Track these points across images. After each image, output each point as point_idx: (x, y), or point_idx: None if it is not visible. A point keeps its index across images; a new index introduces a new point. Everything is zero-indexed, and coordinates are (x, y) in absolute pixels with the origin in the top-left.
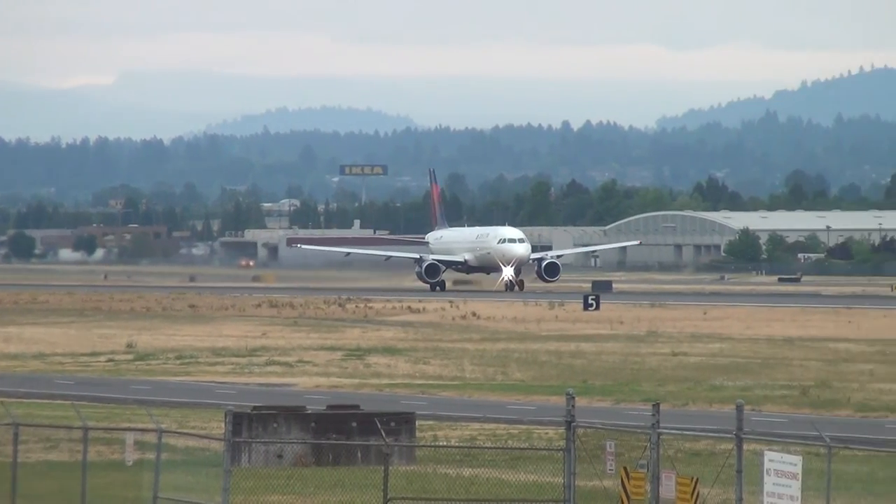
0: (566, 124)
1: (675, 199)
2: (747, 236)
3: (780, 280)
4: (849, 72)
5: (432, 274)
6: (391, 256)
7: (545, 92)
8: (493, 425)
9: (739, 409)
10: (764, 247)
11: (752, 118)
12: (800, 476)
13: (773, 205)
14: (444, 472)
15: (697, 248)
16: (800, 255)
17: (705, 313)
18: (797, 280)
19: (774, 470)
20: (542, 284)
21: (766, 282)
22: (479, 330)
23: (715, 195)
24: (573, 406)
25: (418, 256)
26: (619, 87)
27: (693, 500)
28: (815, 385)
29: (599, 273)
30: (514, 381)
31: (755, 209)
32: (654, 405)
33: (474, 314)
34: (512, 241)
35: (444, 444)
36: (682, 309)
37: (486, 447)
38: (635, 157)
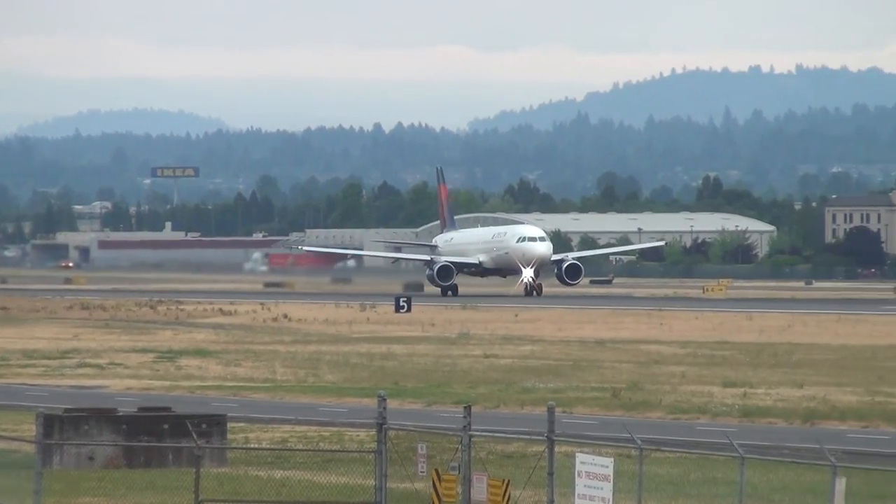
0: (378, 126)
1: (487, 200)
2: (559, 238)
3: (592, 282)
4: (660, 73)
5: (445, 276)
6: (398, 259)
7: (357, 94)
8: (304, 427)
9: (551, 411)
10: (576, 249)
11: (564, 120)
12: (611, 478)
13: (585, 207)
14: (256, 474)
15: None
16: (611, 258)
17: (517, 315)
18: (609, 282)
19: (586, 472)
20: (561, 289)
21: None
22: (290, 332)
23: (527, 197)
24: (384, 408)
25: (429, 258)
26: (431, 89)
27: (504, 502)
28: (626, 387)
29: (411, 275)
30: (326, 383)
31: (567, 211)
32: (465, 407)
33: (286, 316)
34: (532, 239)
35: (256, 446)
36: (493, 311)
37: (298, 449)
38: (447, 158)
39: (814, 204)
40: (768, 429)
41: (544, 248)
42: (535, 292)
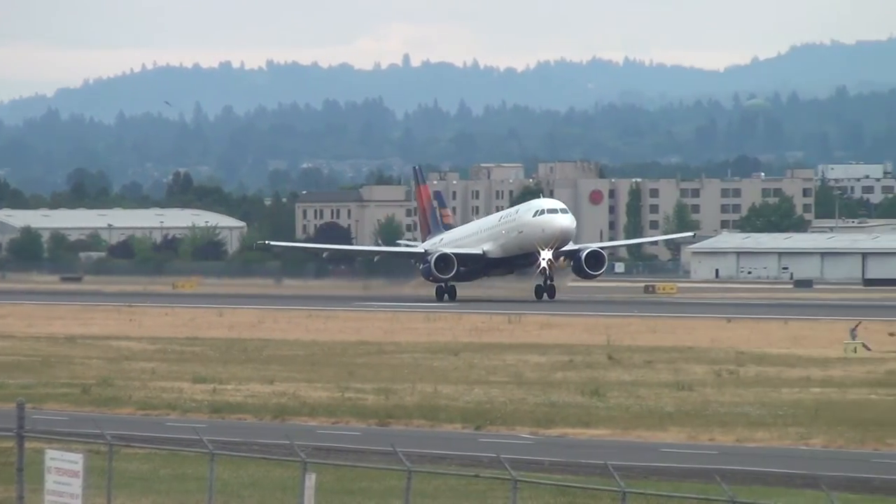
0: None
1: None
2: (29, 235)
3: (63, 279)
4: (131, 69)
5: (444, 268)
6: (382, 252)
7: None
8: None
9: (20, 407)
10: (46, 245)
11: (34, 116)
12: (81, 474)
13: (56, 203)
14: None
15: None
16: (81, 254)
17: None
18: (79, 279)
19: (56, 468)
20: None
21: (48, 280)
22: None
23: None
24: None
25: (423, 251)
26: None
27: None
28: (97, 383)
29: None
30: None
31: (37, 207)
32: None
33: None
34: (553, 211)
35: None
36: None
37: None
38: None
39: (284, 200)
40: (238, 424)
41: (568, 221)
42: (546, 294)
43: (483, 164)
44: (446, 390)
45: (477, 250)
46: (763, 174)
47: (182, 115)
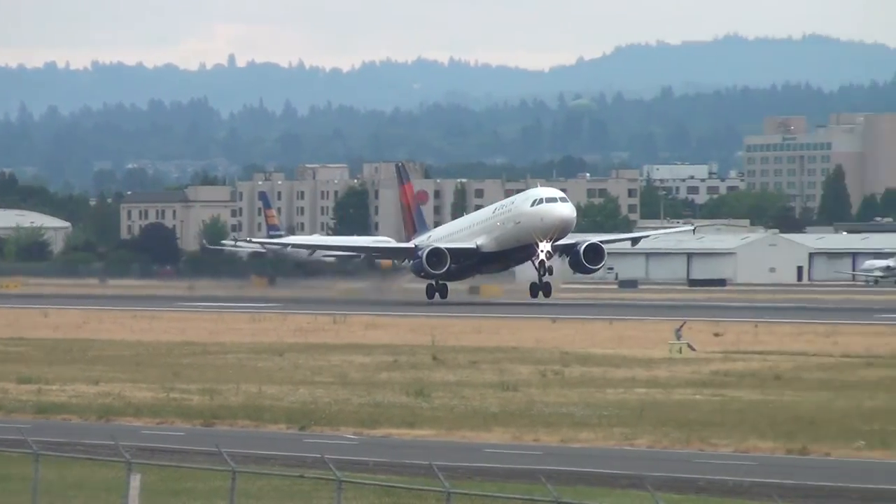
0: None
1: None
2: None
3: None
4: None
5: (436, 263)
6: (369, 250)
7: None
8: None
9: None
10: None
11: None
12: None
13: None
14: None
15: None
16: None
17: None
18: None
19: None
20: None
21: None
22: None
23: None
24: None
25: (412, 245)
26: None
27: None
28: None
29: None
30: None
31: None
32: None
33: None
34: (552, 200)
35: None
36: None
37: None
38: None
39: (109, 200)
40: (63, 425)
41: (568, 211)
42: (542, 292)
43: (308, 165)
44: (271, 391)
45: (470, 244)
46: (588, 174)
47: (7, 115)
